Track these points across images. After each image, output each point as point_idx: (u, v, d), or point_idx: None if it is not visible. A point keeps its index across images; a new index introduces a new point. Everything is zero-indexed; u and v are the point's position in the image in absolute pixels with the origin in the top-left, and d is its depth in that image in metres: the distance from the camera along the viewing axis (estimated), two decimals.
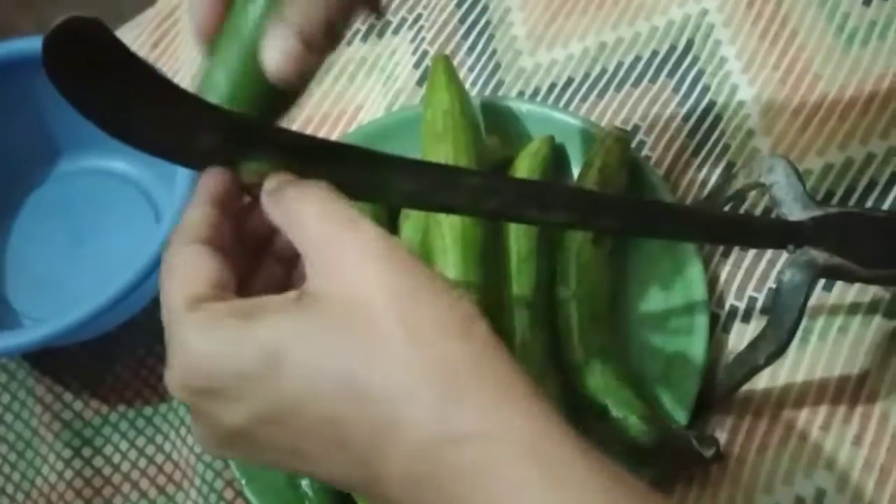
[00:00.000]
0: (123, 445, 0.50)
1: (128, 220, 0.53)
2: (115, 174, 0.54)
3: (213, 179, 0.28)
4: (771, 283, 0.46)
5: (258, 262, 0.30)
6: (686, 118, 0.52)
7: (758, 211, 0.48)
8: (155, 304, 0.50)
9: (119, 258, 0.51)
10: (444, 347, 0.24)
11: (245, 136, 0.28)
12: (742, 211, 0.48)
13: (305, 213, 0.26)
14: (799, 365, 0.44)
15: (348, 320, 0.24)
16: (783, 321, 0.36)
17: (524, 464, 0.23)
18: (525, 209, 0.33)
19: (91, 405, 0.50)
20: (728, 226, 0.38)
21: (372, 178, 0.30)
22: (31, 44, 0.51)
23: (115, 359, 0.51)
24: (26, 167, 0.54)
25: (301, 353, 0.25)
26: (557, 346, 0.45)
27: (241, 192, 0.29)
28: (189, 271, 0.27)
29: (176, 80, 0.58)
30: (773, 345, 0.36)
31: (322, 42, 0.28)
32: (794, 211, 0.37)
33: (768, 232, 0.37)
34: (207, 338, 0.25)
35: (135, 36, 0.61)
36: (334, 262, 0.25)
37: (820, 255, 0.36)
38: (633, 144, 0.51)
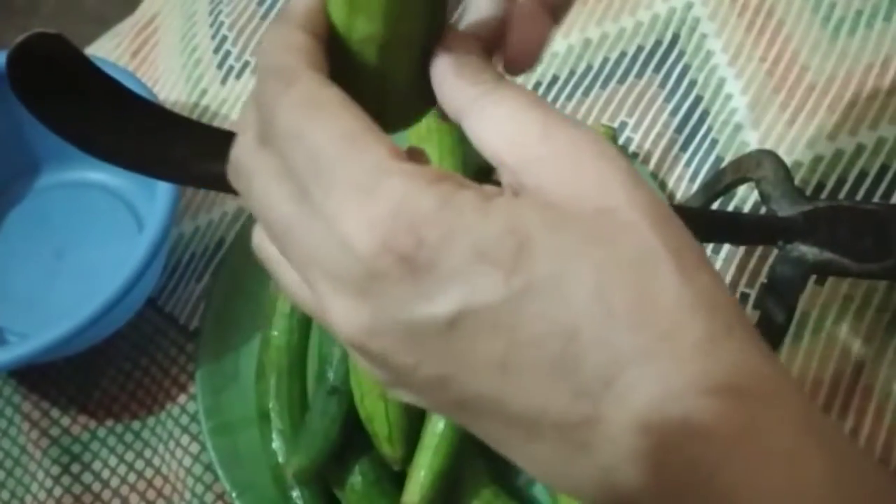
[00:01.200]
0: (112, 461, 0.49)
1: (110, 231, 0.52)
2: (96, 185, 0.53)
3: None
4: (762, 279, 0.46)
5: None
6: (673, 113, 0.51)
7: (748, 205, 0.48)
8: (140, 317, 0.50)
9: (102, 270, 0.50)
10: (706, 280, 0.20)
11: (216, 145, 0.27)
12: (732, 206, 0.48)
13: (507, 102, 0.23)
14: (793, 360, 0.43)
15: (603, 229, 0.20)
16: (775, 318, 0.35)
17: (802, 434, 0.20)
18: None
19: (79, 421, 0.50)
20: (716, 223, 0.37)
21: None
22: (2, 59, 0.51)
23: (102, 373, 0.50)
24: (6, 181, 0.54)
25: (552, 250, 0.20)
26: None
27: None
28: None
29: (156, 88, 0.58)
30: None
31: None
32: (783, 206, 0.36)
33: (757, 228, 0.37)
34: (440, 197, 0.20)
35: (115, 45, 0.60)
36: (565, 163, 0.21)
37: (810, 251, 0.35)
38: (621, 141, 0.51)
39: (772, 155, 0.38)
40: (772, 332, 0.35)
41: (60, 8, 1.39)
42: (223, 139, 0.28)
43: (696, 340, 0.20)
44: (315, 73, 0.22)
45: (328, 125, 0.21)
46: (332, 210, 0.20)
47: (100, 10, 1.34)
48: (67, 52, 0.23)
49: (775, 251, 0.38)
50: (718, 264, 0.47)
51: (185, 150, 0.27)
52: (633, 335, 0.20)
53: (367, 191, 0.20)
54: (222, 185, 0.29)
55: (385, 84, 0.24)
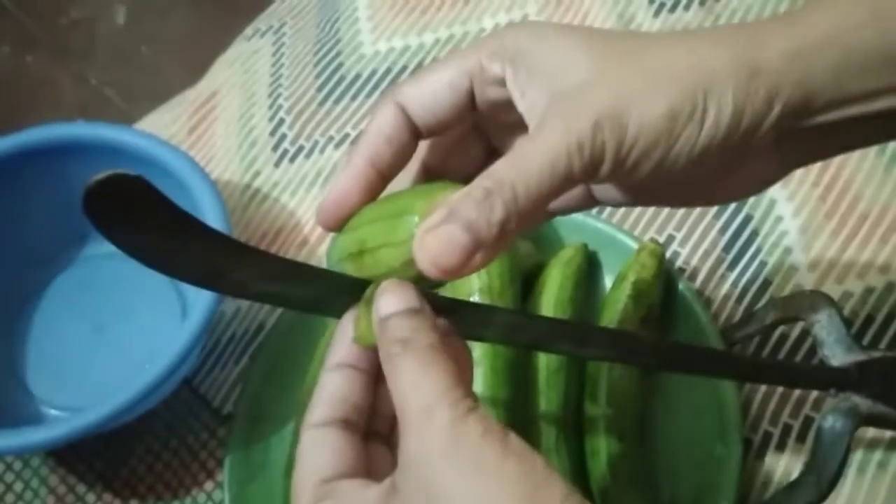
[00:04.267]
0: None
1: (152, 307, 0.52)
2: None
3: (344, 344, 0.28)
4: (807, 410, 0.45)
5: None
6: (722, 231, 0.51)
7: (793, 335, 0.47)
8: (174, 396, 0.49)
9: (142, 348, 0.50)
10: None
11: (278, 272, 0.28)
12: (777, 335, 0.47)
13: (399, 378, 0.26)
14: (835, 501, 0.42)
15: None
16: (824, 470, 0.34)
17: None
18: (560, 344, 0.32)
19: (103, 498, 0.49)
20: (770, 370, 0.37)
21: None
22: (63, 130, 0.52)
23: (131, 451, 0.50)
24: (55, 250, 0.54)
25: None
26: (584, 467, 0.44)
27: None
28: (317, 457, 0.27)
29: (209, 167, 0.58)
30: (813, 494, 0.35)
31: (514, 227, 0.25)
32: (837, 353, 0.36)
33: (811, 378, 0.36)
34: None
35: (173, 118, 0.61)
36: (409, 457, 0.25)
37: (863, 403, 0.34)
38: (668, 254, 0.50)
39: (827, 299, 0.37)
40: (820, 485, 0.34)
41: (116, 54, 1.42)
42: (280, 264, 0.28)
43: None
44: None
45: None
46: None
47: (154, 60, 1.36)
48: (145, 189, 0.24)
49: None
50: (762, 392, 0.46)
51: (244, 272, 0.28)
52: None
53: None
54: (274, 300, 0.30)
55: None
